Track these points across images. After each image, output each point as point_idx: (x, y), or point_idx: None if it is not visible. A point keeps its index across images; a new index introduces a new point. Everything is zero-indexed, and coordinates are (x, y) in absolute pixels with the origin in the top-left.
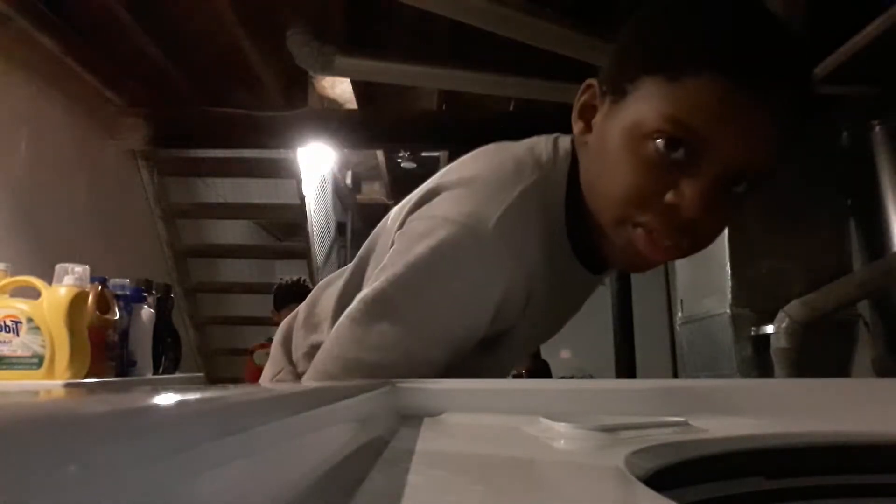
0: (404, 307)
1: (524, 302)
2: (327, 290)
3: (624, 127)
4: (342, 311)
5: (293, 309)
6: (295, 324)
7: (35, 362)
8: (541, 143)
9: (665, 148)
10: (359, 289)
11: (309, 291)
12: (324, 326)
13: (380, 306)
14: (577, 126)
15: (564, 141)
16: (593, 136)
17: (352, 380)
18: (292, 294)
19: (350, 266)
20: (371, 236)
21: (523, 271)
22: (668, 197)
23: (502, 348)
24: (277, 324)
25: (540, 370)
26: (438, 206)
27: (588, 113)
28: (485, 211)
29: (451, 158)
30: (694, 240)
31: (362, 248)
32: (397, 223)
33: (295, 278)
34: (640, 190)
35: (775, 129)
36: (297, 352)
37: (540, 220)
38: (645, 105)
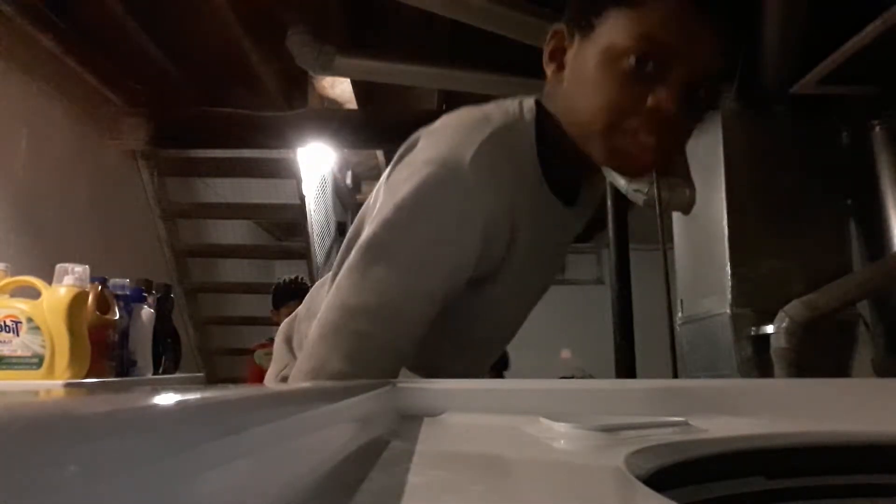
0: (397, 246)
1: (507, 236)
2: (325, 286)
3: (598, 52)
4: None
5: (292, 307)
6: (297, 320)
7: (35, 362)
8: (506, 101)
9: (637, 63)
10: None
11: (307, 289)
12: None
13: (374, 250)
14: (549, 68)
15: (528, 100)
16: (568, 72)
17: (357, 327)
18: (290, 292)
19: (343, 246)
20: (360, 212)
21: (503, 203)
22: (649, 101)
23: (494, 294)
24: (277, 323)
25: (499, 360)
26: (417, 153)
27: (558, 55)
28: (460, 149)
29: None
30: (673, 137)
31: (352, 225)
32: (383, 181)
33: (293, 277)
34: (622, 101)
35: (723, 39)
36: (301, 345)
37: (513, 157)
38: (614, 31)
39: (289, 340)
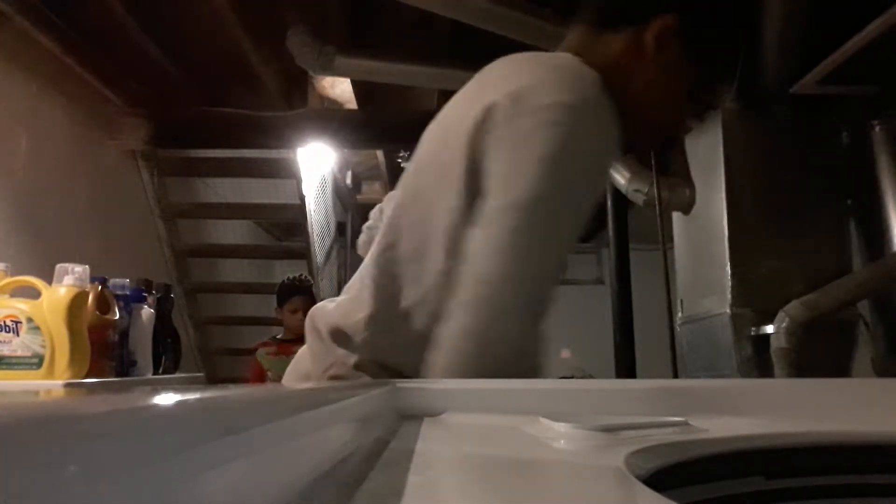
0: (559, 198)
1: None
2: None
3: (686, 84)
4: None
5: (295, 304)
6: (326, 312)
7: (35, 362)
8: (545, 52)
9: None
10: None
11: (311, 287)
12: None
13: (534, 207)
14: (645, 41)
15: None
16: (665, 68)
17: (543, 293)
18: (295, 289)
19: (406, 192)
20: (420, 157)
21: (615, 135)
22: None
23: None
24: (280, 322)
25: None
26: (533, 102)
27: (663, 42)
28: (582, 89)
29: None
30: None
31: (405, 191)
32: (463, 150)
33: (297, 275)
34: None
35: None
36: (335, 336)
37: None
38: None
39: (331, 335)
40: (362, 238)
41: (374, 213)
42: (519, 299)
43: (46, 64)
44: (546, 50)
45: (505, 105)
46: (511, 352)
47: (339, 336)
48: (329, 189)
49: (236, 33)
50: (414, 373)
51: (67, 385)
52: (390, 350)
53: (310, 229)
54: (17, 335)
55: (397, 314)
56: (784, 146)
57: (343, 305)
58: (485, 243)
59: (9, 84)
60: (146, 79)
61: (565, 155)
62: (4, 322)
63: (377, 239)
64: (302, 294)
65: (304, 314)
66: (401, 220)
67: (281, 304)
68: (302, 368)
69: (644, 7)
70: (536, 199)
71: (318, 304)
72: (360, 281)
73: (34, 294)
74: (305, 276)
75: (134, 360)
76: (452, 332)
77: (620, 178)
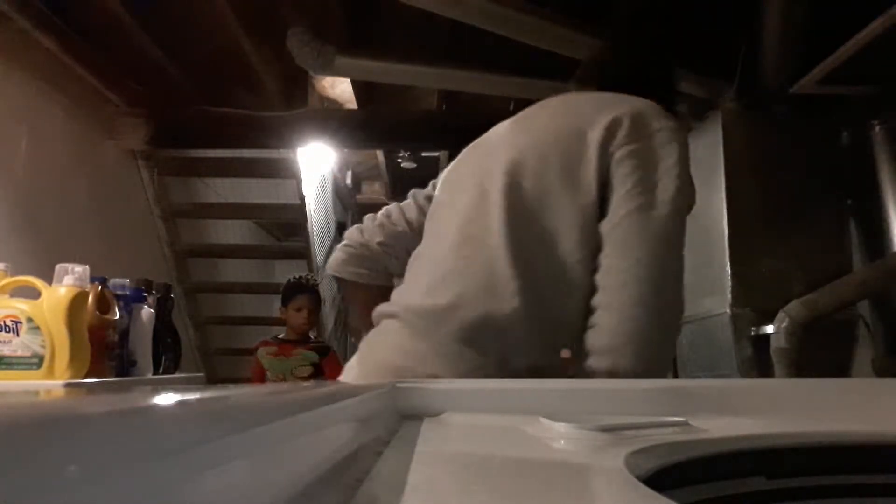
0: (689, 196)
1: None
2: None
3: None
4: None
5: (300, 302)
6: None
7: (35, 362)
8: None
9: None
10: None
11: (317, 286)
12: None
13: (680, 203)
14: None
15: None
16: None
17: (681, 267)
18: (301, 287)
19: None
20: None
21: None
22: None
23: None
24: (283, 322)
25: None
26: (654, 124)
27: None
28: (672, 118)
29: (450, 158)
30: None
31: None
32: (593, 156)
33: (303, 274)
34: None
35: None
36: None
37: None
38: None
39: (473, 329)
40: (339, 256)
41: (352, 234)
42: (679, 273)
43: (46, 64)
44: (547, 49)
45: (627, 122)
46: (677, 318)
47: (482, 332)
48: (329, 189)
49: (236, 33)
50: (551, 370)
51: (67, 385)
52: (539, 337)
53: (310, 229)
54: (17, 335)
55: (538, 300)
56: (784, 146)
57: (476, 299)
58: (648, 230)
59: (9, 84)
60: (146, 79)
61: (685, 163)
62: (4, 322)
63: (488, 241)
64: (307, 293)
65: (309, 313)
66: (516, 215)
67: (285, 302)
68: (403, 367)
69: (637, 84)
70: (679, 197)
71: (410, 301)
72: (487, 275)
73: (34, 294)
74: (309, 276)
75: (134, 360)
76: (629, 302)
77: None
